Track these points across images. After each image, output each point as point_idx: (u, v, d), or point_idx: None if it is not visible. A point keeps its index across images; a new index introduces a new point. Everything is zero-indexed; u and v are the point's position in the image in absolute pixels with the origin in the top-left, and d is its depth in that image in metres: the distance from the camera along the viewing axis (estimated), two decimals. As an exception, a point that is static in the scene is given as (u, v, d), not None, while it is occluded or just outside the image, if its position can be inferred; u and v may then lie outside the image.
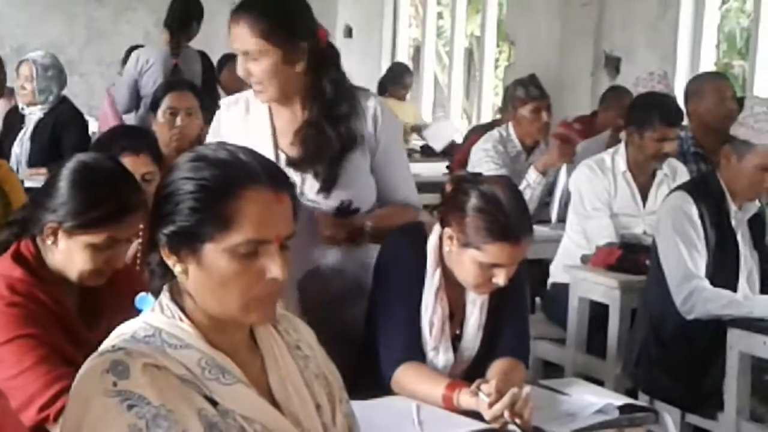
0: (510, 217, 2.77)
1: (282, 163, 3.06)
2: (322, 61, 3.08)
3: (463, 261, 2.83)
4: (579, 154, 5.72)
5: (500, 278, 2.80)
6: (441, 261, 2.92)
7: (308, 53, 3.03)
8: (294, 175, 3.02)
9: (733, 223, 4.00)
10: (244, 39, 2.98)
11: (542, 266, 5.23)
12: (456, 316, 2.97)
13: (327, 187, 3.08)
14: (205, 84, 6.48)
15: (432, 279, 2.92)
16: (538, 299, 5.33)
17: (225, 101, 3.34)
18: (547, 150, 5.87)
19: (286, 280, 1.80)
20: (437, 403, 2.76)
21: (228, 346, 1.82)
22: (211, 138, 3.22)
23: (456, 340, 2.96)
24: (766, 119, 3.90)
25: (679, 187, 4.16)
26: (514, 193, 2.84)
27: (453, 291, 2.94)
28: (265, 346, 1.89)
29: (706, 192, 4.01)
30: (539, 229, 5.57)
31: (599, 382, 4.34)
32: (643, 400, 4.08)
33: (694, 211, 3.95)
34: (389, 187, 3.22)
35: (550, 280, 5.09)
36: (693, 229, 3.93)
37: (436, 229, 2.93)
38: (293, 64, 3.01)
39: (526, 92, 5.85)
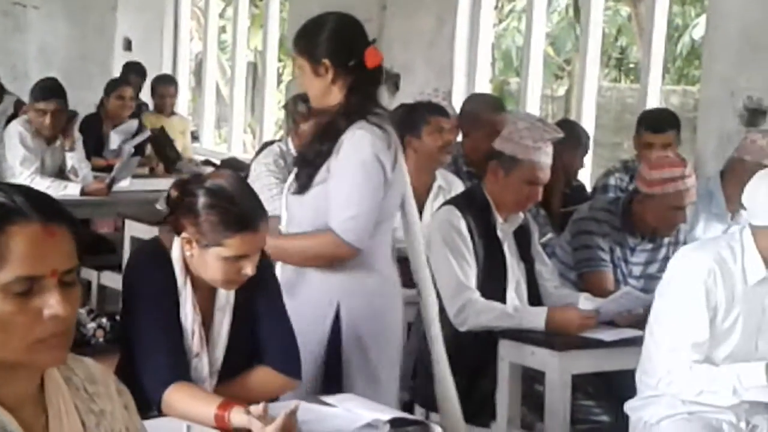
0: (243, 207, 2.82)
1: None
2: (359, 81, 3.39)
3: (208, 261, 2.84)
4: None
5: (248, 269, 2.84)
6: (188, 269, 2.91)
7: (349, 72, 3.38)
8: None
9: (500, 235, 4.09)
10: (296, 59, 3.49)
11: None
12: (206, 322, 2.97)
13: (301, 189, 3.38)
14: None
15: (185, 289, 2.91)
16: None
17: None
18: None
19: (71, 317, 1.70)
20: (209, 423, 2.73)
21: (12, 401, 1.71)
22: None
23: (208, 346, 2.97)
24: (530, 135, 4.02)
25: (448, 202, 4.25)
26: (240, 183, 2.90)
27: (202, 297, 2.95)
28: (52, 402, 1.77)
29: (473, 205, 4.09)
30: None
31: (377, 396, 4.38)
32: (419, 413, 4.13)
33: (462, 224, 4.02)
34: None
35: (330, 295, 5.09)
36: (462, 242, 4.00)
37: (176, 239, 2.91)
38: (322, 77, 3.39)
39: (308, 107, 5.86)
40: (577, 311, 3.97)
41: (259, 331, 3.01)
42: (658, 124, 5.71)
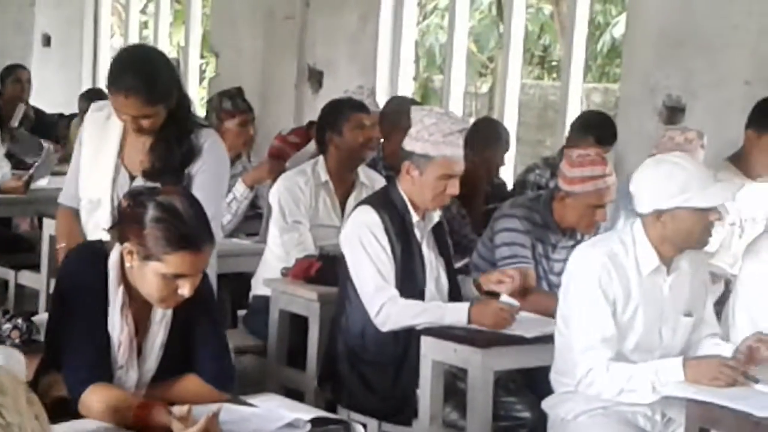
0: (189, 226, 2.79)
1: (123, 175, 3.69)
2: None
3: (146, 275, 2.81)
4: (289, 167, 5.73)
5: (185, 289, 2.80)
6: (124, 278, 2.87)
7: None
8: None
9: (417, 233, 4.09)
10: (137, 108, 3.56)
11: (245, 279, 5.21)
12: (140, 333, 2.92)
13: None
14: None
15: (116, 297, 2.87)
16: (240, 312, 5.31)
17: (94, 106, 3.91)
18: (252, 164, 5.87)
19: None
20: (128, 425, 2.70)
21: None
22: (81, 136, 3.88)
23: (139, 358, 2.92)
24: (439, 130, 4.01)
25: (363, 201, 4.24)
26: (191, 202, 2.86)
27: (139, 308, 2.90)
28: None
29: (389, 204, 4.07)
30: (242, 243, 5.56)
31: (301, 395, 4.36)
32: (342, 413, 4.12)
33: (379, 224, 4.01)
34: None
35: (252, 293, 5.08)
36: (379, 242, 3.99)
37: (117, 246, 2.87)
38: (171, 106, 3.64)
39: (234, 105, 5.81)
40: (497, 304, 3.98)
41: (194, 347, 2.96)
42: (610, 138, 5.69)
